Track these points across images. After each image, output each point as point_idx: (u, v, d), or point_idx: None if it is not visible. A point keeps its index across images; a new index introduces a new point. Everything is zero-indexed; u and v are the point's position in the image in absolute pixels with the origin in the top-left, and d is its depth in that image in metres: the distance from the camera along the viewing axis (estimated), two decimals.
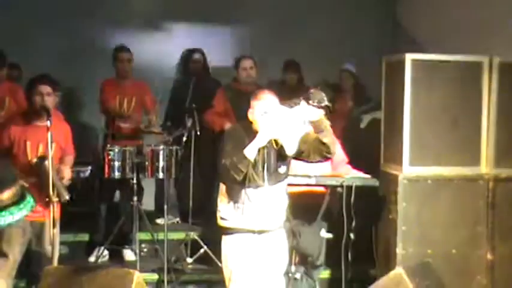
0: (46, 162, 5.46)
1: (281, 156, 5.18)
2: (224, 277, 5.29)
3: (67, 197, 5.59)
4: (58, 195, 5.53)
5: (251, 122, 5.17)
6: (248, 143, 5.01)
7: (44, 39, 8.36)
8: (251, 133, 5.08)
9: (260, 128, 5.05)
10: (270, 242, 5.29)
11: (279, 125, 5.05)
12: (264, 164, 5.11)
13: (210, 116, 7.50)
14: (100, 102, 7.47)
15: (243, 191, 5.12)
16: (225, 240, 5.27)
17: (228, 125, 7.04)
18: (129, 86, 7.44)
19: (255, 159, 5.02)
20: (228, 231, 5.24)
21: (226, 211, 5.23)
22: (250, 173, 5.03)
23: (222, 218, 5.27)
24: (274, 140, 5.08)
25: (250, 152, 4.99)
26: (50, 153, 5.40)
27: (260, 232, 5.23)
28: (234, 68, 7.63)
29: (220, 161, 5.08)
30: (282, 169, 5.23)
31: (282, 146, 5.13)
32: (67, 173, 5.79)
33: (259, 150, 5.03)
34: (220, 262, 5.35)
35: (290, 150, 5.18)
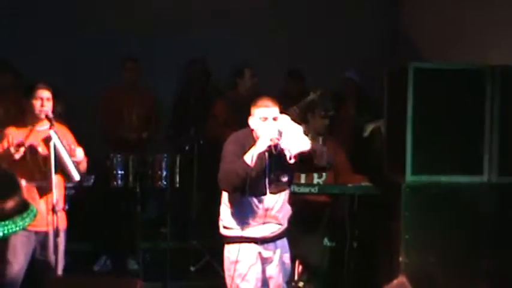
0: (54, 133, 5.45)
1: (283, 164, 5.13)
2: (227, 286, 5.29)
3: (77, 178, 5.52)
4: (68, 175, 5.47)
5: (252, 130, 5.16)
6: (248, 150, 5.00)
7: (47, 48, 8.36)
8: (252, 140, 5.08)
9: (260, 135, 5.04)
10: (272, 250, 5.29)
11: (279, 131, 5.02)
12: (265, 171, 5.10)
13: (214, 129, 7.48)
14: (101, 114, 7.48)
15: (245, 199, 5.12)
16: (228, 249, 5.27)
17: None
18: (136, 96, 7.46)
19: (256, 167, 4.98)
20: (230, 240, 5.24)
21: (228, 220, 5.23)
22: (250, 180, 4.96)
23: (224, 227, 5.27)
24: (275, 147, 5.00)
25: (250, 158, 4.95)
26: (53, 160, 5.38)
27: (263, 241, 5.23)
28: (237, 77, 7.63)
29: (220, 165, 5.07)
30: (285, 177, 5.22)
31: (283, 154, 5.09)
32: (79, 152, 5.68)
33: (261, 158, 5.00)
34: (223, 271, 5.34)
35: (292, 154, 5.15)
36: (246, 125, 5.21)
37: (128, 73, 7.48)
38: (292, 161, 5.02)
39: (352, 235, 6.27)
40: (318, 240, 6.45)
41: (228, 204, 5.22)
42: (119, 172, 6.88)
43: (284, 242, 5.39)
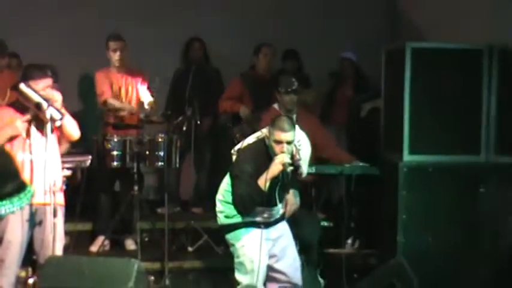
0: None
1: (293, 177, 5.25)
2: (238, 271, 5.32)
3: (58, 117, 5.43)
4: (51, 118, 5.37)
5: (265, 143, 5.21)
6: (264, 165, 5.08)
7: (42, 28, 8.32)
8: (265, 157, 5.15)
9: (274, 158, 5.09)
10: (276, 232, 5.38)
11: (296, 150, 5.17)
12: (276, 186, 5.18)
13: (222, 102, 7.47)
14: (98, 95, 7.41)
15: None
16: (231, 237, 5.30)
17: (243, 109, 7.07)
18: (124, 75, 7.35)
19: (270, 185, 5.09)
20: (232, 227, 5.29)
21: (231, 210, 5.25)
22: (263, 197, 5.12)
23: (227, 217, 5.29)
24: (295, 168, 5.16)
25: (264, 182, 5.06)
26: (49, 132, 5.34)
27: (266, 225, 5.31)
28: (255, 55, 7.62)
29: (236, 185, 5.17)
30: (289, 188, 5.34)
31: (295, 169, 5.18)
32: (56, 95, 5.54)
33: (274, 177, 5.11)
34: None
35: (304, 172, 5.32)
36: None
37: (112, 52, 7.31)
38: (303, 176, 5.26)
39: (349, 215, 6.27)
40: (314, 220, 6.45)
41: (232, 201, 5.26)
42: (116, 152, 6.86)
43: (285, 223, 5.48)
